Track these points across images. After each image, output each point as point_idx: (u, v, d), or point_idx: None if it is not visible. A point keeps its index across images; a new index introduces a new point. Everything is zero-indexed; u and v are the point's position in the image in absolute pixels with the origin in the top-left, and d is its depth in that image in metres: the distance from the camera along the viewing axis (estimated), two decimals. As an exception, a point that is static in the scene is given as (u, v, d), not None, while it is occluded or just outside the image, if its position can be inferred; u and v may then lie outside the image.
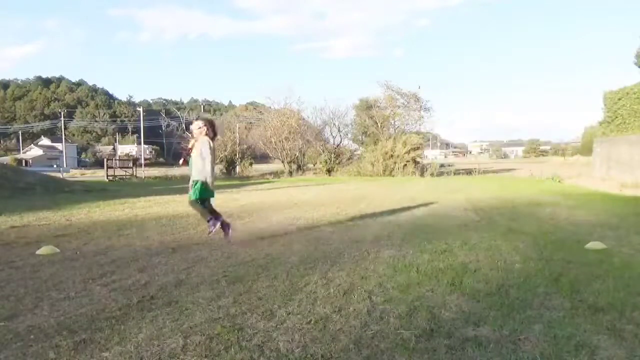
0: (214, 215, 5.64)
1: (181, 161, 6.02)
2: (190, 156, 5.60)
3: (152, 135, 76.51)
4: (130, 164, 31.41)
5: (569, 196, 11.32)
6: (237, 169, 31.43)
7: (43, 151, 77.62)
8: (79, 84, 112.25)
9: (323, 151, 28.89)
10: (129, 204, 10.55)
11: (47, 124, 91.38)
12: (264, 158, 35.82)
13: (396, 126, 29.18)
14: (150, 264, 4.47)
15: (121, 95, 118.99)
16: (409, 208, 9.05)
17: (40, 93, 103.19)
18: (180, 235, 6.18)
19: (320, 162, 28.43)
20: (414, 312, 2.97)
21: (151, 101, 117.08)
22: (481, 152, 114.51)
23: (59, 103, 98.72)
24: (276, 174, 28.70)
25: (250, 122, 36.79)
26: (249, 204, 10.18)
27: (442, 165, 30.97)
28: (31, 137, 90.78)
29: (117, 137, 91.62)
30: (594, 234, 5.75)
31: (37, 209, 9.17)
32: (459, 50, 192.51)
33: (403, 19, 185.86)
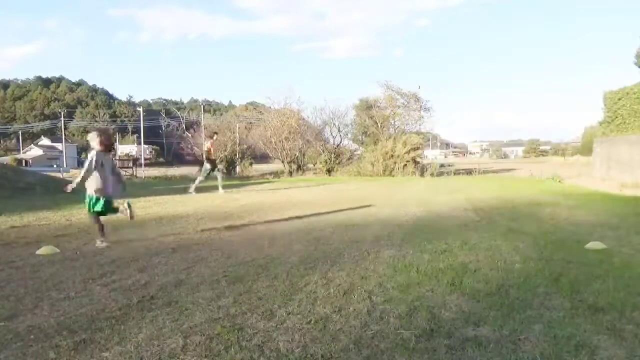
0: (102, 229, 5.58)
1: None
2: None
3: (152, 135, 76.54)
4: (130, 164, 31.42)
5: (569, 196, 11.32)
6: (237, 169, 31.41)
7: (43, 151, 77.64)
8: (79, 84, 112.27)
9: (323, 151, 28.87)
10: (129, 204, 10.53)
11: (47, 124, 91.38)
12: (264, 158, 35.79)
13: (396, 126, 29.16)
14: (150, 264, 4.47)
15: (121, 95, 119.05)
16: (409, 208, 9.05)
17: (40, 93, 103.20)
18: (180, 235, 6.18)
19: (320, 162, 28.40)
20: (414, 312, 2.97)
21: (151, 101, 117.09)
22: (478, 153, 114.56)
23: (59, 103, 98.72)
24: (276, 174, 28.68)
25: (250, 122, 36.75)
26: (249, 204, 10.17)
27: (442, 165, 30.96)
28: (31, 137, 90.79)
29: (117, 137, 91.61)
30: (594, 234, 5.75)
31: (37, 209, 9.16)
32: (459, 50, 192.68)
33: (403, 19, 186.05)
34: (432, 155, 64.79)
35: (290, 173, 29.00)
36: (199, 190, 13.14)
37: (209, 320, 2.88)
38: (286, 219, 7.65)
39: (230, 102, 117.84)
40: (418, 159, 25.79)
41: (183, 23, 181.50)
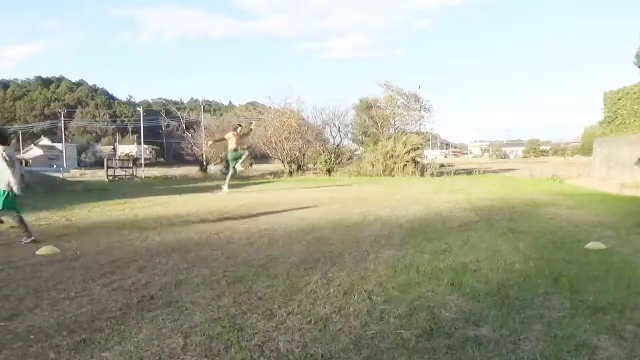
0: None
1: None
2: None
3: (152, 135, 76.44)
4: (130, 164, 31.37)
5: (569, 196, 11.32)
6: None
7: (43, 151, 77.64)
8: (79, 84, 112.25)
9: (323, 151, 28.86)
10: (129, 204, 10.54)
11: (47, 124, 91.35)
12: (264, 158, 35.78)
13: (396, 126, 29.16)
14: (150, 264, 4.47)
15: (121, 95, 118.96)
16: (409, 208, 9.05)
17: (40, 93, 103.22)
18: (180, 235, 6.18)
19: (320, 162, 28.40)
20: (414, 312, 2.97)
21: (151, 101, 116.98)
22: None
23: (59, 103, 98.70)
24: (276, 174, 28.66)
25: (251, 122, 36.75)
26: (249, 204, 10.17)
27: (442, 165, 30.94)
28: (31, 137, 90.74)
29: (117, 137, 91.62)
30: (594, 234, 5.75)
31: (37, 209, 9.16)
32: (459, 50, 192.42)
33: (403, 19, 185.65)
34: (432, 155, 64.75)
35: (290, 173, 29.00)
36: (202, 190, 13.14)
37: (209, 320, 2.88)
38: (286, 219, 7.65)
39: (230, 102, 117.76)
40: (418, 159, 25.78)
41: (183, 23, 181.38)
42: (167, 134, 65.63)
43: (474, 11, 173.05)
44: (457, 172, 26.57)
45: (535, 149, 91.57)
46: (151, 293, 3.48)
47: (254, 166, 32.77)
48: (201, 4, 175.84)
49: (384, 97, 29.04)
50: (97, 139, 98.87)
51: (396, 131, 28.51)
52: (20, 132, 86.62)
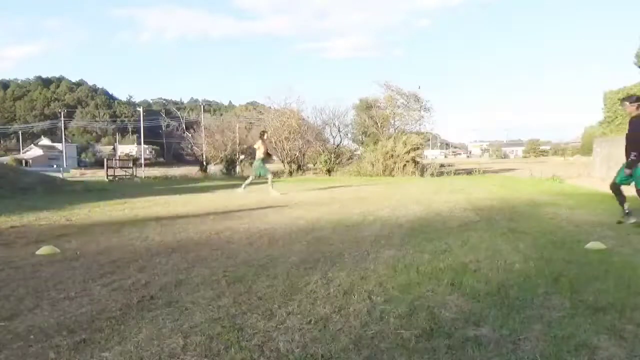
0: None
1: None
2: None
3: (152, 135, 76.48)
4: (130, 164, 31.38)
5: (569, 196, 11.32)
6: (237, 168, 31.43)
7: (43, 151, 77.67)
8: (79, 84, 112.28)
9: (323, 151, 28.88)
10: (129, 204, 10.54)
11: (47, 124, 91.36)
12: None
13: (396, 126, 29.19)
14: (150, 264, 4.47)
15: (121, 95, 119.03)
16: (409, 208, 9.05)
17: (40, 93, 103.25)
18: (180, 235, 6.18)
19: (320, 162, 28.42)
20: (414, 312, 2.97)
21: (151, 101, 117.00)
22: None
23: (59, 103, 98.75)
24: (276, 174, 28.67)
25: (251, 122, 36.74)
26: (248, 204, 10.17)
27: (442, 165, 30.95)
28: (31, 137, 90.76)
29: (117, 137, 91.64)
30: (594, 234, 5.74)
31: (37, 209, 9.16)
32: (459, 50, 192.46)
33: (403, 19, 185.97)
34: (432, 155, 64.74)
35: (290, 173, 29.02)
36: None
37: (209, 320, 2.88)
38: (286, 219, 7.65)
39: (230, 102, 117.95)
40: (418, 159, 25.81)
41: (183, 23, 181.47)
42: (167, 134, 65.69)
43: (474, 11, 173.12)
44: (457, 172, 26.58)
45: (535, 149, 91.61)
46: (151, 293, 3.48)
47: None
48: (201, 4, 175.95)
49: (384, 97, 29.09)
50: (97, 139, 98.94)
51: (396, 131, 28.54)
52: (20, 132, 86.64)
